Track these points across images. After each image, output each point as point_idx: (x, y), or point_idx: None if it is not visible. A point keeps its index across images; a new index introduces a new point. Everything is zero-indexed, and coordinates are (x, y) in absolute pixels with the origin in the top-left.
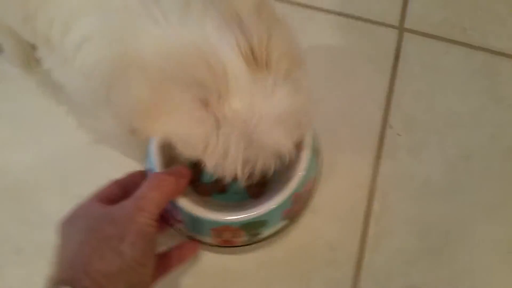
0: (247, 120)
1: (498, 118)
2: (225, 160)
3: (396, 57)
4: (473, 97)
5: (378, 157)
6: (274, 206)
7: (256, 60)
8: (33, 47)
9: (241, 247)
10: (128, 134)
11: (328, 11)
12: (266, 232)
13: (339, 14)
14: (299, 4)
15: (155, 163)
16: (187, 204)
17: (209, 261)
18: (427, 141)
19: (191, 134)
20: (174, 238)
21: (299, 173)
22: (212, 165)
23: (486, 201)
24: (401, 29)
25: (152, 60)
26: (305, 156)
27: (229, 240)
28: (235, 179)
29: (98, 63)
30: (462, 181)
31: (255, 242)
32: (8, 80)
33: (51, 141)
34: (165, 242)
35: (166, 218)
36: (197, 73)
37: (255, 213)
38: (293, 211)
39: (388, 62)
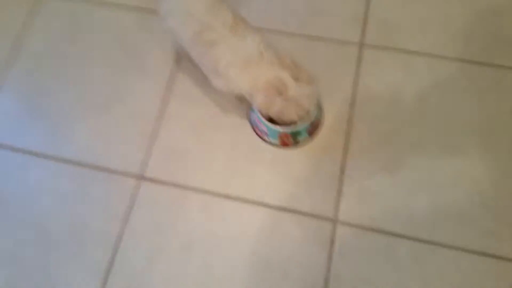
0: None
1: None
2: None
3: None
4: None
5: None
6: (304, 125)
7: (296, 79)
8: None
9: (290, 147)
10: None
11: None
12: (300, 140)
13: None
14: None
15: (257, 112)
16: (271, 125)
17: (274, 154)
18: None
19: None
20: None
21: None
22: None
23: None
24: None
25: (263, 84)
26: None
27: (285, 142)
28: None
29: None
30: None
31: (295, 146)
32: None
33: None
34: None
35: (260, 134)
36: (278, 85)
37: (297, 127)
38: (311, 132)
39: None
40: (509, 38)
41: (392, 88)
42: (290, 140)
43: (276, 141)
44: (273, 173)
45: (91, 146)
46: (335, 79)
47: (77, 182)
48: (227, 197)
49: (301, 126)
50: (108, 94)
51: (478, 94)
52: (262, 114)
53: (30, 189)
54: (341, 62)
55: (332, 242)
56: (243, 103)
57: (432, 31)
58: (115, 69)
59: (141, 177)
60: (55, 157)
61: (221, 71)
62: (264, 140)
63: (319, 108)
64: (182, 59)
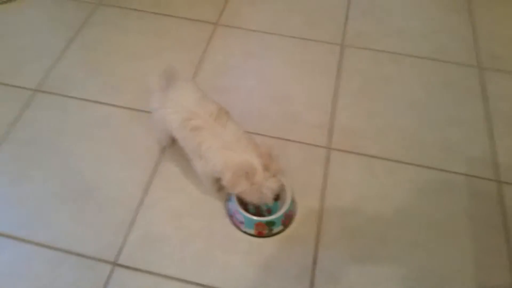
0: (261, 185)
1: None
2: (260, 199)
3: None
4: None
5: None
6: (279, 215)
7: (265, 168)
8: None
9: (264, 238)
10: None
11: None
12: (275, 229)
13: None
14: None
15: (235, 202)
16: (247, 215)
17: (250, 243)
18: None
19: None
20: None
21: (288, 201)
22: (249, 200)
23: None
24: None
25: (234, 165)
26: (290, 197)
27: (260, 231)
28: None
29: (216, 164)
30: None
31: (270, 236)
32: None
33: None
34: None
35: (236, 223)
36: (246, 168)
37: (271, 217)
38: (285, 222)
39: None
40: (454, 146)
41: (358, 187)
42: (265, 229)
43: (252, 231)
44: (247, 262)
45: (68, 232)
46: (306, 176)
47: (50, 265)
48: (201, 286)
49: (276, 217)
50: (91, 182)
51: (433, 194)
52: (230, 192)
53: (2, 270)
54: (311, 162)
55: None
56: (220, 191)
57: (390, 139)
58: (100, 159)
59: (115, 264)
60: (30, 240)
61: (202, 153)
62: (240, 229)
63: (293, 200)
64: (166, 151)
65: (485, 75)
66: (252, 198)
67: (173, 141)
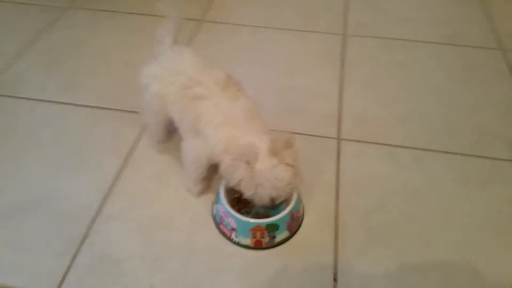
0: (264, 172)
1: None
2: (255, 194)
3: None
4: None
5: None
6: (283, 215)
7: (273, 153)
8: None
9: (264, 249)
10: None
11: None
12: (278, 236)
13: None
14: None
15: (222, 197)
16: (240, 216)
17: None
18: None
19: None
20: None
21: (294, 200)
22: (248, 195)
23: None
24: None
25: (236, 148)
26: (295, 195)
27: (258, 240)
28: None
29: (217, 144)
30: None
31: (271, 246)
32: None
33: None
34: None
35: (226, 232)
36: (248, 153)
37: (273, 219)
38: (291, 227)
39: None
40: (491, 132)
41: (380, 180)
42: (265, 237)
43: (247, 240)
44: (243, 285)
45: None
46: (314, 171)
47: None
48: None
49: (279, 218)
50: (37, 193)
51: (474, 184)
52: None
53: None
54: (319, 155)
55: None
56: (204, 187)
57: (414, 126)
58: (51, 166)
59: None
60: None
61: (200, 128)
62: (231, 240)
63: (299, 200)
64: (133, 155)
65: (509, 56)
66: (248, 190)
67: (168, 134)
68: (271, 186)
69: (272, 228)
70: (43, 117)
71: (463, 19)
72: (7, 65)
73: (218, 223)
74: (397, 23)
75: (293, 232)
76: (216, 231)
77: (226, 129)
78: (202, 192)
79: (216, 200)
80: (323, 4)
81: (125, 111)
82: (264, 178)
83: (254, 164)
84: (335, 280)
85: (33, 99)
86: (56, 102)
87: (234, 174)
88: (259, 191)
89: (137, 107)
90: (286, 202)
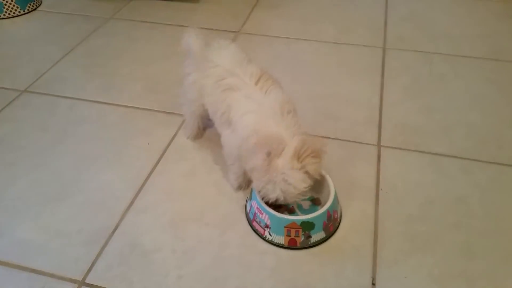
0: (282, 171)
1: None
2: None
3: None
4: None
5: None
6: (319, 213)
7: (297, 156)
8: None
9: (299, 249)
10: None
11: None
12: (314, 237)
13: None
14: None
15: (258, 198)
16: (274, 212)
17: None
18: None
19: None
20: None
21: (331, 199)
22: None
23: None
24: None
25: (263, 134)
26: (333, 192)
27: (293, 239)
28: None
29: (247, 126)
30: None
31: (306, 247)
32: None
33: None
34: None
35: (259, 229)
36: (273, 143)
37: (308, 216)
38: (328, 227)
39: None
40: None
41: (423, 188)
42: (300, 236)
43: (281, 238)
44: (274, 284)
45: (30, 244)
46: (353, 175)
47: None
48: None
49: (315, 216)
50: (71, 184)
51: None
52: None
53: None
54: (359, 160)
55: None
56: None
57: (459, 136)
58: (87, 159)
59: (82, 283)
60: None
61: (231, 118)
62: (264, 238)
63: (337, 200)
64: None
65: None
66: (259, 182)
67: (201, 130)
68: (282, 188)
69: (307, 226)
70: (81, 114)
71: (504, 35)
72: (50, 67)
73: (251, 220)
74: (437, 38)
75: (329, 233)
76: (249, 228)
77: (254, 116)
78: (241, 187)
79: (251, 197)
80: (360, 19)
81: (162, 112)
82: (279, 177)
83: (274, 159)
84: (373, 284)
85: (72, 97)
86: (94, 102)
87: (250, 160)
88: (268, 186)
89: (174, 109)
90: (319, 203)
